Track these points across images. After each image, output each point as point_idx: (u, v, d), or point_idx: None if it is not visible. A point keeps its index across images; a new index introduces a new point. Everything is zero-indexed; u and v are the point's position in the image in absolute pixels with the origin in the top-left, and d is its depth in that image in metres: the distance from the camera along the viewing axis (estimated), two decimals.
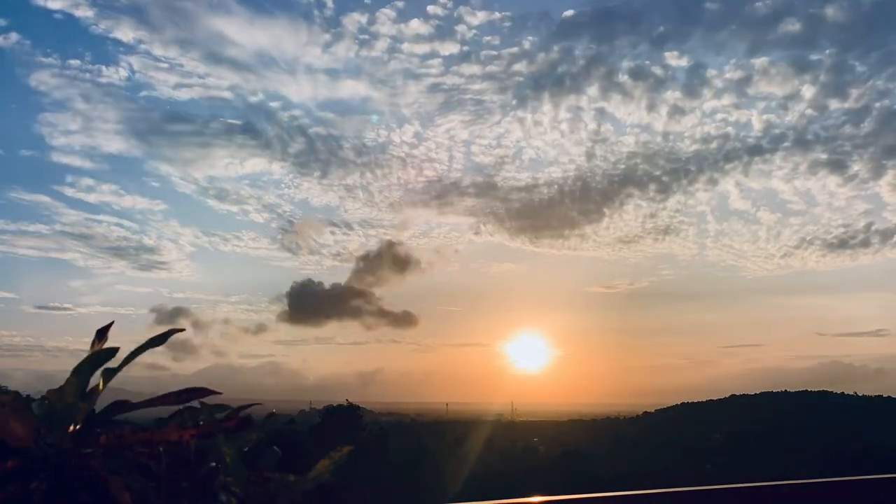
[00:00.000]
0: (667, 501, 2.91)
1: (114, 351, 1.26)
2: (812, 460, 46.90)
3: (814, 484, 3.16)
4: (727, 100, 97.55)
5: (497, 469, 43.73)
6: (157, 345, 1.37)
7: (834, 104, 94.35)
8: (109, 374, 1.28)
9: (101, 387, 1.25)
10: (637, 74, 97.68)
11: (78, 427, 1.19)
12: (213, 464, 1.36)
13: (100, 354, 1.24)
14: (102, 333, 1.26)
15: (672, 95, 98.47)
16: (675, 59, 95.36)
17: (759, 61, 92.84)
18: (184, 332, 1.48)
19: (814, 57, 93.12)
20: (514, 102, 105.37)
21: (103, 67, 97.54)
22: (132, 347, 1.34)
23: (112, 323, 1.32)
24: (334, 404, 50.00)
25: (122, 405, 1.24)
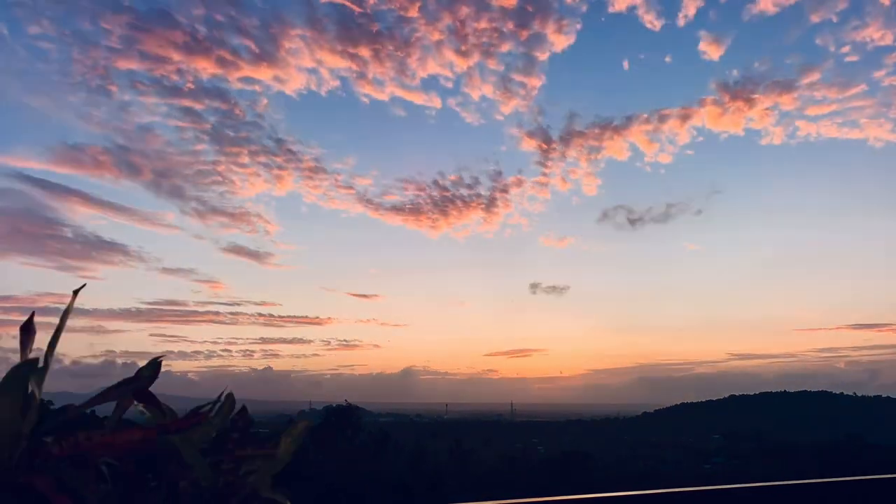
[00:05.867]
0: (667, 501, 2.86)
1: (34, 362, 1.13)
2: (811, 460, 46.90)
3: (814, 484, 3.12)
4: None
5: (497, 469, 43.62)
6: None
7: None
8: (40, 377, 1.15)
9: (36, 396, 1.11)
10: None
11: (25, 443, 1.07)
12: (178, 461, 1.30)
13: (21, 368, 1.10)
14: (27, 329, 1.14)
15: None
16: None
17: None
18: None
19: None
20: None
21: None
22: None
23: (33, 314, 1.18)
24: (334, 404, 49.82)
25: (67, 409, 1.13)
